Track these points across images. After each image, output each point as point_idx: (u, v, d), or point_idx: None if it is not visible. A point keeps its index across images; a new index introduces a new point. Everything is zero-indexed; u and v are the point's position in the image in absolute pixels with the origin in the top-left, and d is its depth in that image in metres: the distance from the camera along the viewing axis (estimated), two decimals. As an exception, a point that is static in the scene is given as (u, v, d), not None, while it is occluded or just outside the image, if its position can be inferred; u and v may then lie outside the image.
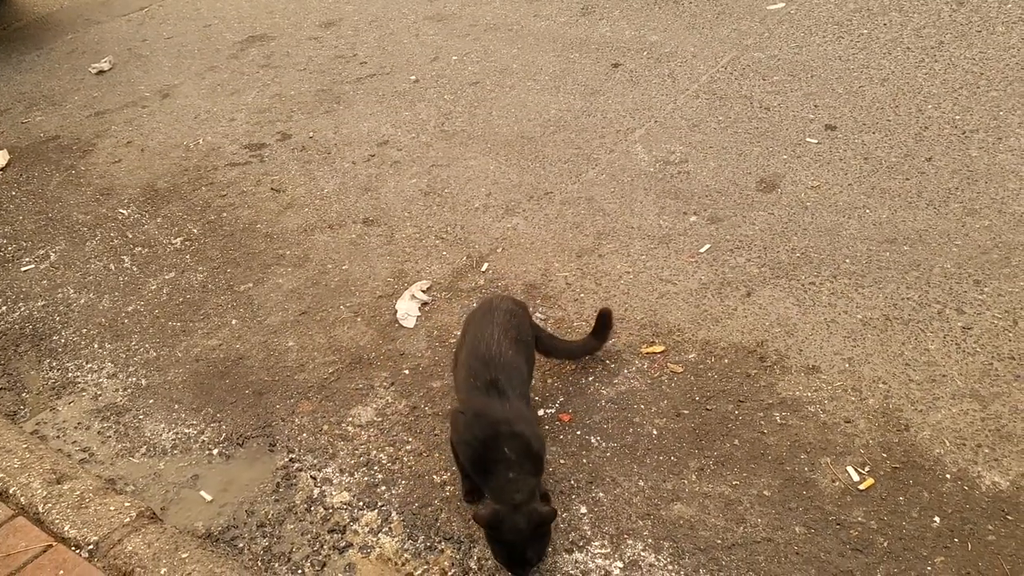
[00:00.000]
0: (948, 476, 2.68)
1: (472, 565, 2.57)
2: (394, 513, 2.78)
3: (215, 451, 3.10)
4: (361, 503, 2.83)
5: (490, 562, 2.57)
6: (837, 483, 2.71)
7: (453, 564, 2.59)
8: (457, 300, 3.71)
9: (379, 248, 4.13)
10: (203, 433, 3.19)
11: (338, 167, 4.89)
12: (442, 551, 2.63)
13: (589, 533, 2.64)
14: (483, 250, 4.02)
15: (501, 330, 2.76)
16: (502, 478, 2.45)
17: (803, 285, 3.55)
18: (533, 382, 3.04)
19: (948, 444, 2.78)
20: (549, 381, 3.21)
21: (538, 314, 3.56)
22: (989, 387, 2.97)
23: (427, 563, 2.60)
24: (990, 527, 2.51)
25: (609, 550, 2.59)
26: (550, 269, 3.84)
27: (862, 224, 3.87)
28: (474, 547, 2.62)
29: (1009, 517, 2.53)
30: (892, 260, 3.63)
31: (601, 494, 2.75)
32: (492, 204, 4.38)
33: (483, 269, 3.89)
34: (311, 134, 5.27)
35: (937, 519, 2.56)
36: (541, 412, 3.07)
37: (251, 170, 4.96)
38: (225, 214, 4.56)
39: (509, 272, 3.85)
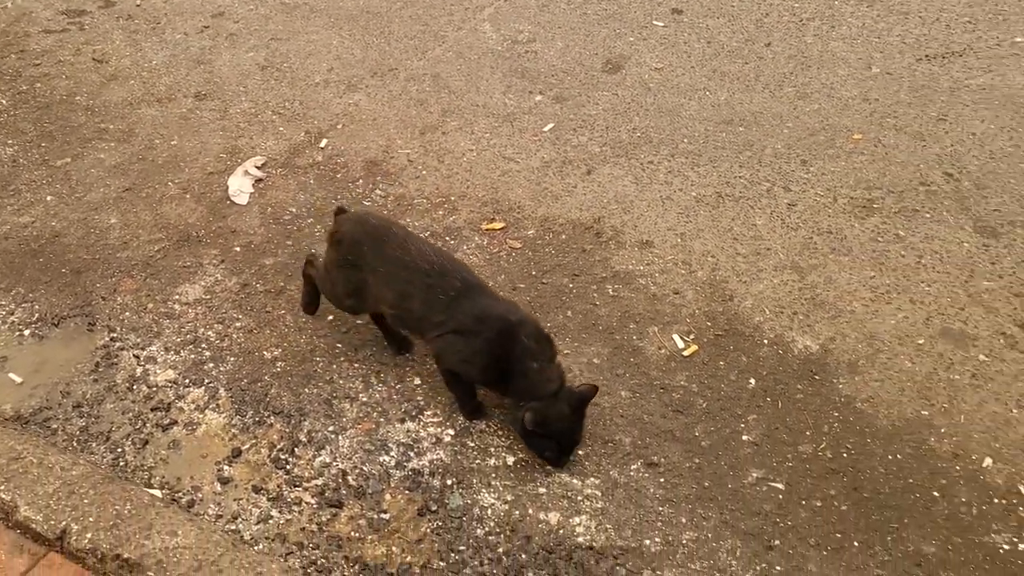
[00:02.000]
0: (765, 342, 2.81)
1: (302, 437, 2.54)
2: (222, 390, 2.69)
3: (26, 332, 2.91)
4: (187, 380, 2.73)
5: (319, 433, 2.54)
6: (663, 350, 2.80)
7: (283, 437, 2.54)
8: (293, 176, 3.56)
9: (211, 123, 3.90)
10: (12, 314, 2.98)
11: (168, 38, 4.55)
12: (271, 425, 2.58)
13: (423, 403, 2.64)
14: (322, 126, 3.86)
15: (416, 239, 2.60)
16: (528, 371, 2.37)
17: (642, 164, 3.59)
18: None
19: (767, 312, 2.91)
20: (387, 257, 3.14)
21: (378, 191, 3.48)
22: (808, 259, 3.11)
23: (255, 437, 2.54)
24: (799, 386, 2.66)
25: (442, 419, 2.60)
26: (392, 146, 3.73)
27: (701, 106, 3.93)
28: (304, 420, 2.58)
29: (816, 377, 2.69)
30: (728, 140, 3.71)
31: (435, 366, 2.74)
32: (334, 80, 4.20)
33: (322, 145, 3.75)
34: (138, 2, 4.87)
35: (753, 381, 2.69)
36: (377, 287, 3.01)
37: (69, 38, 4.55)
38: (39, 85, 4.19)
39: (349, 149, 3.72)
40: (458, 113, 3.92)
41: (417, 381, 2.71)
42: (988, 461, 2.45)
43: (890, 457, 2.47)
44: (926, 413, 2.58)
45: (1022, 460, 2.45)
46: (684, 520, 2.31)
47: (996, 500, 2.35)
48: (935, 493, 2.37)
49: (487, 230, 3.27)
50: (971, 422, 2.55)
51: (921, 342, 2.79)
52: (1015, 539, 2.26)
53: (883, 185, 3.44)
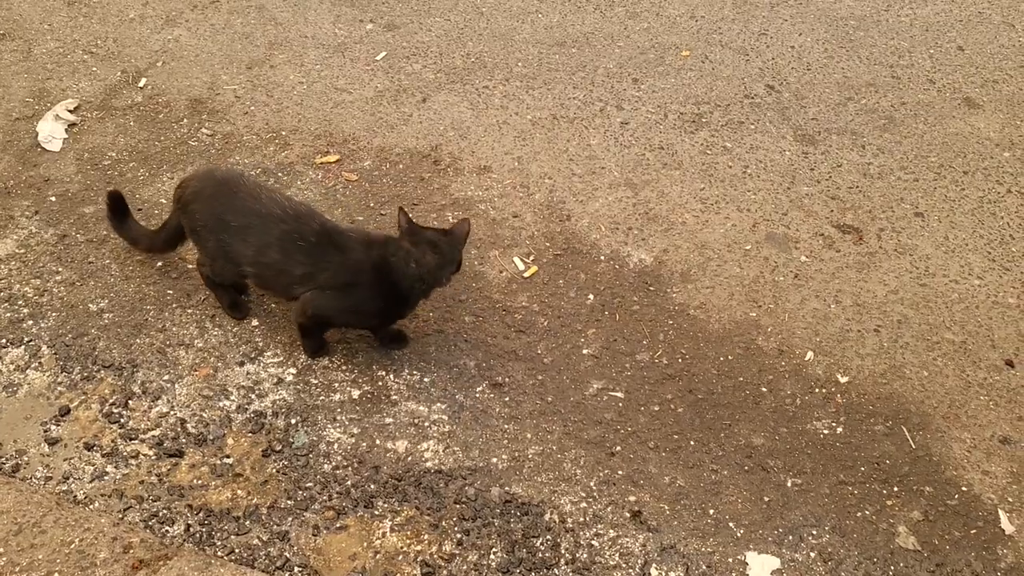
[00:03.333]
0: (602, 258, 2.87)
1: (135, 389, 2.43)
2: (44, 347, 2.54)
3: None
4: (4, 341, 2.55)
5: (154, 383, 2.44)
6: (504, 273, 2.81)
7: (115, 391, 2.43)
8: (111, 119, 3.35)
9: (14, 65, 3.61)
10: None
11: (-44, -26, 4.14)
12: (102, 379, 2.46)
13: (262, 344, 2.58)
14: (140, 64, 3.63)
15: (268, 188, 2.49)
16: (411, 274, 2.37)
17: (477, 89, 3.56)
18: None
19: (604, 229, 2.96)
20: (217, 198, 3.01)
21: (204, 130, 3.31)
22: (641, 175, 3.17)
23: (84, 394, 2.42)
24: (635, 298, 2.74)
25: (282, 358, 2.54)
26: (217, 82, 3.55)
27: (534, 28, 3.91)
28: (137, 371, 2.47)
29: (651, 288, 2.77)
30: (561, 62, 3.72)
31: (273, 305, 2.68)
32: (150, 14, 3.94)
33: (141, 85, 3.53)
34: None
35: (591, 296, 2.74)
36: (208, 229, 2.88)
37: None
38: None
39: (171, 87, 3.52)
40: (286, 45, 3.77)
41: (255, 322, 2.63)
42: (810, 355, 2.60)
43: (721, 359, 2.58)
44: (754, 314, 2.70)
45: (839, 351, 2.61)
46: (529, 435, 2.36)
47: (817, 390, 2.50)
48: (763, 389, 2.50)
49: (321, 164, 3.18)
50: (794, 320, 2.69)
51: (748, 248, 2.91)
52: (834, 424, 2.42)
53: (710, 100, 3.53)
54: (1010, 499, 2.27)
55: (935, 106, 3.53)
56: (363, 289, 2.36)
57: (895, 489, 2.29)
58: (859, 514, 2.23)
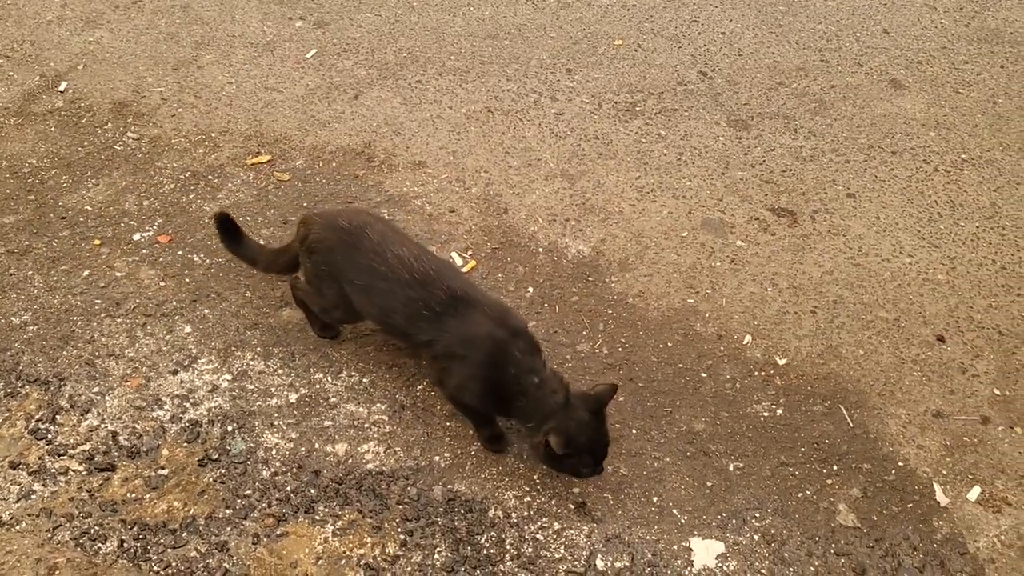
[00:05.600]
0: (540, 250, 2.86)
1: (63, 403, 2.36)
2: (-35, 364, 2.45)
3: None
4: (-78, 359, 2.46)
5: (83, 396, 2.37)
6: (442, 269, 2.78)
7: (41, 406, 2.35)
8: (30, 125, 3.24)
9: (-74, 73, 3.48)
10: None
11: None
12: (27, 395, 2.38)
13: (195, 351, 2.52)
14: (60, 68, 3.53)
15: (396, 241, 2.24)
16: (529, 389, 2.09)
17: (410, 84, 3.52)
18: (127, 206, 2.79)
19: (541, 221, 2.95)
20: (145, 203, 2.94)
21: (129, 134, 3.23)
22: (577, 166, 3.17)
23: (8, 410, 2.34)
24: (574, 289, 2.73)
25: (217, 364, 2.48)
26: (143, 85, 3.46)
27: (466, 21, 3.88)
28: (64, 385, 2.40)
29: (590, 279, 2.77)
30: (494, 55, 3.69)
31: (207, 311, 2.61)
32: (69, 16, 3.83)
33: (61, 89, 3.42)
34: None
35: (531, 289, 2.73)
36: (137, 236, 2.82)
37: None
38: None
39: (94, 91, 3.42)
40: (213, 45, 3.69)
41: (188, 329, 2.57)
42: (748, 338, 2.62)
43: (661, 346, 2.59)
44: (692, 301, 2.72)
45: (777, 334, 2.63)
46: (471, 432, 2.34)
47: (756, 373, 2.52)
48: (703, 374, 2.52)
49: (252, 165, 3.12)
50: (732, 304, 2.71)
51: (685, 235, 2.93)
52: (774, 406, 2.44)
53: (644, 88, 3.54)
54: (944, 472, 2.31)
55: (863, 88, 3.58)
56: (471, 367, 2.13)
57: (834, 468, 2.31)
58: (800, 494, 2.25)
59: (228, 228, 2.56)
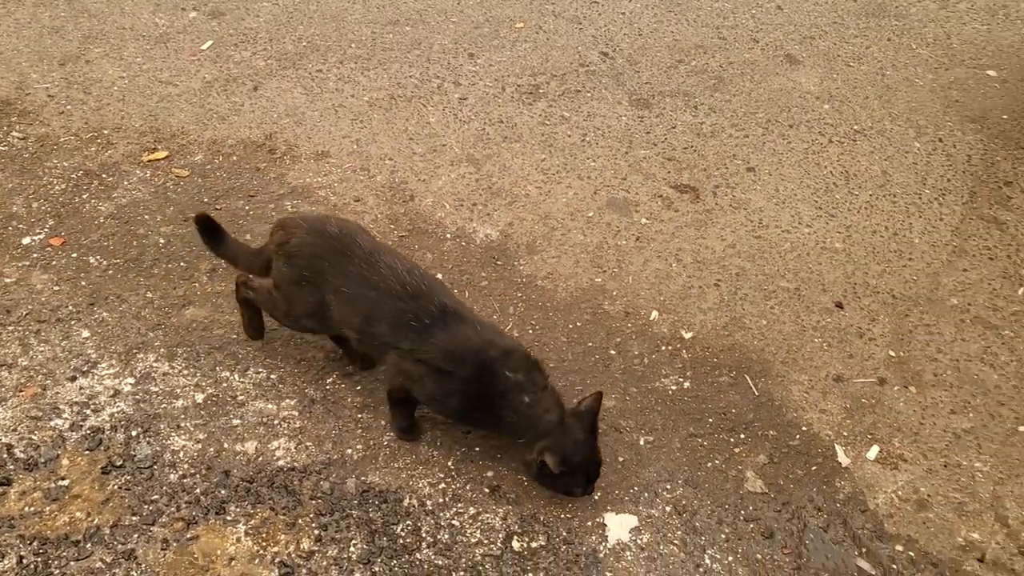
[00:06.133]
0: (448, 236, 2.85)
1: (-46, 418, 2.26)
2: None
3: None
4: None
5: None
6: (349, 259, 2.75)
7: (-69, 422, 2.25)
8: (-93, 129, 3.09)
9: None
10: None
11: None
12: (-86, 411, 2.27)
13: (95, 356, 2.44)
14: (-62, 67, 3.36)
15: (386, 254, 2.21)
16: (520, 407, 2.09)
17: (310, 73, 3.46)
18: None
19: (448, 207, 2.94)
20: (35, 205, 2.84)
21: (15, 134, 3.10)
22: (482, 150, 3.16)
23: None
24: (483, 274, 2.74)
25: (119, 368, 2.41)
26: (26, 82, 3.33)
27: (367, 8, 3.84)
28: (-45, 398, 2.30)
29: (499, 263, 2.77)
30: (395, 41, 3.66)
31: (105, 314, 2.54)
32: (-55, 12, 3.65)
33: (-61, 90, 3.27)
34: None
35: (440, 275, 2.72)
36: (26, 240, 2.71)
37: None
38: None
39: (-25, 90, 3.27)
40: (102, 38, 3.56)
41: (85, 334, 2.49)
42: (655, 314, 2.66)
43: (571, 326, 2.61)
44: (599, 280, 2.75)
45: (682, 308, 2.68)
46: (384, 423, 2.32)
47: (663, 348, 2.57)
48: (612, 351, 2.55)
49: (149, 162, 3.03)
50: (638, 281, 2.75)
51: (591, 215, 2.95)
52: (681, 379, 2.49)
53: (546, 70, 3.55)
54: (845, 433, 2.39)
55: (760, 64, 3.66)
56: (455, 383, 2.12)
57: (741, 436, 2.37)
58: (709, 464, 2.30)
59: (209, 228, 2.46)
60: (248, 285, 2.40)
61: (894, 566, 2.12)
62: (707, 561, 2.10)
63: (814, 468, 2.31)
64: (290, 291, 2.26)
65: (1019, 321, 2.74)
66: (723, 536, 2.16)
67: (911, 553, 2.15)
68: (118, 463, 2.20)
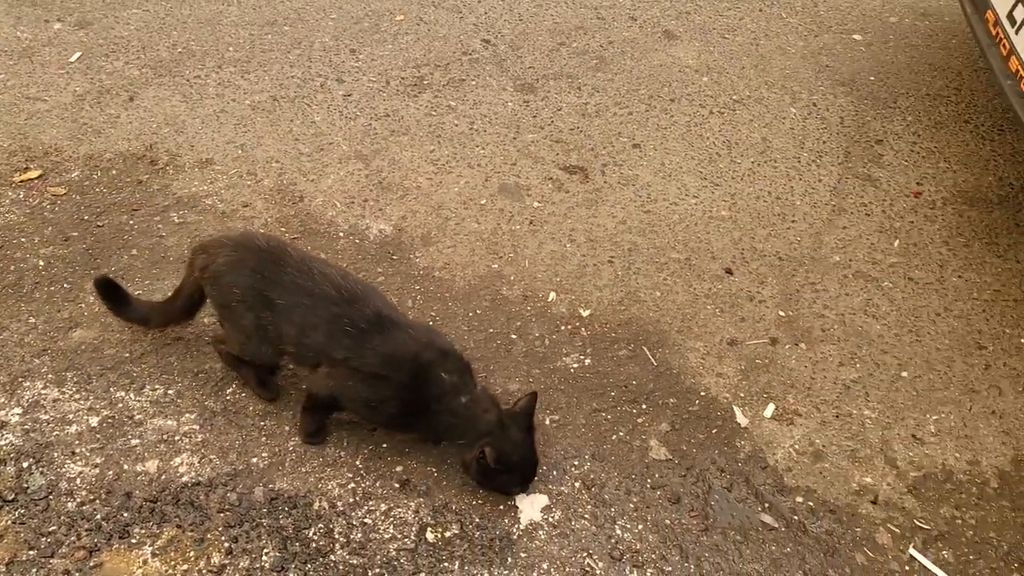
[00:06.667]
0: (341, 234, 2.83)
1: None
2: None
3: None
4: None
5: None
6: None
7: None
8: None
9: None
10: None
11: None
12: None
13: (-22, 389, 2.34)
14: None
15: (318, 262, 2.19)
16: (458, 409, 2.09)
17: (188, 80, 3.38)
18: None
19: (339, 205, 2.92)
20: (-99, 237, 2.70)
21: None
22: (370, 146, 3.14)
23: None
24: (380, 269, 2.73)
25: (3, 399, 2.33)
26: None
27: (242, 10, 3.76)
28: None
29: (394, 257, 2.77)
30: (275, 42, 3.60)
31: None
32: None
33: None
34: None
35: (335, 275, 2.69)
36: None
37: None
38: None
39: None
40: (-38, 57, 3.40)
41: (-34, 366, 2.39)
42: (552, 295, 2.69)
43: (471, 314, 2.63)
44: (496, 266, 2.77)
45: (579, 287, 2.72)
46: (288, 428, 2.30)
47: (563, 328, 2.61)
48: (513, 336, 2.57)
49: (22, 182, 2.92)
50: (534, 264, 2.78)
51: (483, 202, 2.97)
52: (582, 357, 2.53)
53: (430, 61, 3.55)
54: (742, 394, 2.48)
55: (639, 42, 3.73)
56: (390, 388, 2.10)
57: (643, 407, 2.43)
58: (614, 437, 2.35)
59: (111, 292, 2.39)
60: (217, 338, 2.35)
61: (795, 517, 2.21)
62: (618, 531, 2.15)
63: (715, 431, 2.39)
64: (229, 315, 2.22)
65: (896, 272, 2.87)
66: (632, 505, 2.21)
67: (810, 503, 2.25)
68: (10, 497, 2.13)
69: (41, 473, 2.17)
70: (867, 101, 3.58)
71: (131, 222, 2.81)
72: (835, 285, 2.81)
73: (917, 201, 3.14)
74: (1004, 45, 2.73)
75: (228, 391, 2.38)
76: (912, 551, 2.18)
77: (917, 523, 2.23)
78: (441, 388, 2.11)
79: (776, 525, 2.20)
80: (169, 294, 2.41)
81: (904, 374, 2.57)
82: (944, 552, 2.19)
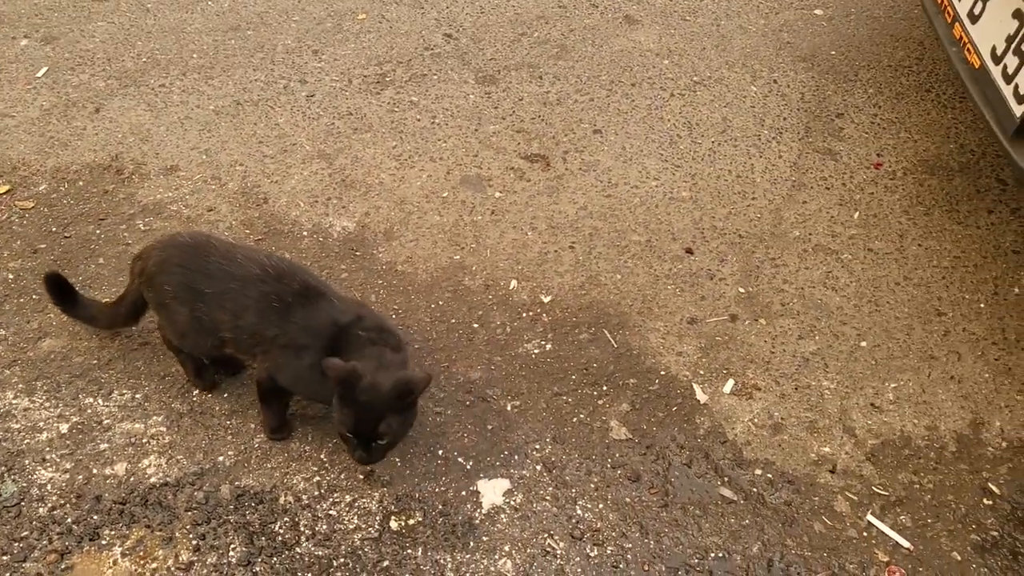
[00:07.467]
0: (305, 233, 2.87)
1: None
2: None
3: None
4: None
5: None
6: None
7: None
8: None
9: None
10: None
11: None
12: None
13: (-50, 402, 2.39)
14: None
15: (243, 248, 2.24)
16: (363, 354, 2.04)
17: (153, 89, 3.42)
18: None
19: (303, 205, 2.96)
20: None
21: None
22: (333, 145, 3.18)
23: None
24: (343, 266, 2.77)
25: (-25, 411, 2.37)
26: None
27: (206, 17, 3.80)
28: None
29: (358, 253, 2.81)
30: (238, 47, 3.64)
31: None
32: None
33: None
34: None
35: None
36: None
37: None
38: None
39: None
40: (-71, 77, 3.45)
41: (-62, 381, 2.43)
42: (514, 283, 2.73)
43: (433, 305, 2.66)
44: (458, 257, 2.80)
45: (540, 274, 2.76)
46: (253, 426, 2.35)
47: (524, 315, 2.64)
48: (475, 325, 2.61)
49: (-9, 198, 2.96)
50: (496, 254, 2.81)
51: (445, 195, 3.00)
52: (543, 342, 2.57)
53: (392, 58, 3.58)
54: (701, 372, 2.51)
55: (600, 28, 3.75)
56: (311, 356, 2.09)
57: (604, 388, 2.46)
58: (575, 419, 2.39)
59: (59, 289, 2.45)
60: (165, 334, 2.39)
61: (754, 489, 2.25)
62: (579, 511, 2.19)
63: (674, 409, 2.42)
64: (165, 313, 2.27)
65: (856, 244, 2.90)
66: (592, 485, 2.25)
67: (769, 475, 2.28)
68: (-17, 506, 2.17)
69: (13, 481, 2.22)
70: (828, 76, 3.60)
71: (98, 231, 2.85)
72: (795, 260, 2.84)
73: (878, 173, 3.17)
74: (948, 12, 2.75)
75: (195, 393, 2.42)
76: (870, 517, 2.21)
77: (875, 490, 2.27)
78: (357, 346, 2.08)
79: (735, 498, 2.23)
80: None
81: (863, 344, 2.60)
82: (902, 517, 2.22)
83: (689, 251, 2.84)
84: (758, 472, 2.29)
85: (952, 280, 2.80)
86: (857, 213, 3.00)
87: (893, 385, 2.50)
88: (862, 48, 3.75)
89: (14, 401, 2.40)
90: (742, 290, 2.74)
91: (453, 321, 2.63)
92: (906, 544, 2.16)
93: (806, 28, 3.86)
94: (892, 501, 2.25)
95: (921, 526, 2.20)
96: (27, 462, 2.26)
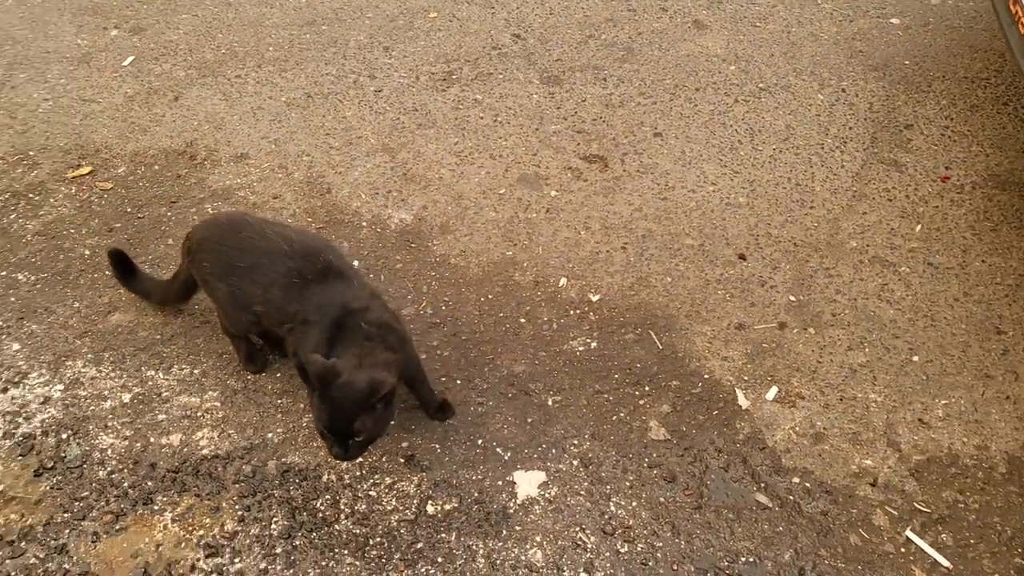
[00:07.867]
0: (364, 224, 2.95)
1: None
2: None
3: None
4: None
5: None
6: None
7: None
8: None
9: None
10: None
11: None
12: None
13: (25, 367, 2.54)
14: None
15: (277, 224, 2.32)
16: (357, 348, 2.06)
17: (230, 79, 3.56)
18: None
19: (364, 196, 3.04)
20: (-37, 230, 2.93)
21: (-57, 163, 3.19)
22: (397, 139, 3.26)
23: None
24: (398, 257, 2.84)
25: (48, 377, 2.52)
26: (-47, 112, 3.42)
27: (284, 11, 3.92)
28: None
29: (413, 245, 2.88)
30: (312, 41, 3.75)
31: (35, 326, 2.64)
32: None
33: None
34: None
35: (356, 262, 2.83)
36: (-44, 263, 2.81)
37: None
38: None
39: (-97, 124, 3.36)
40: (27, 63, 3.65)
41: (16, 347, 2.59)
42: (563, 281, 2.76)
43: (483, 299, 2.72)
44: (510, 253, 2.85)
45: (590, 273, 2.79)
46: (302, 405, 2.43)
47: (571, 312, 2.67)
48: (522, 320, 2.66)
49: (74, 178, 3.13)
50: (547, 251, 2.85)
51: (502, 192, 3.06)
52: (588, 340, 2.60)
53: (460, 56, 3.65)
54: (745, 377, 2.50)
55: (668, 32, 3.76)
56: (317, 332, 2.12)
57: (646, 389, 2.48)
58: (615, 418, 2.41)
59: (121, 263, 2.62)
60: (217, 313, 2.50)
61: (790, 497, 2.24)
62: (612, 508, 2.21)
63: (715, 413, 2.42)
64: (209, 291, 2.38)
65: (915, 257, 2.85)
66: (627, 483, 2.27)
67: (807, 484, 2.27)
68: (49, 465, 2.30)
69: (78, 444, 2.35)
70: (899, 86, 3.53)
71: (169, 214, 2.99)
72: (849, 270, 2.80)
73: (944, 186, 3.10)
74: (1023, 24, 2.68)
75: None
76: (909, 533, 2.18)
77: (917, 506, 2.23)
78: (356, 336, 2.08)
79: (770, 504, 2.23)
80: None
81: (915, 358, 2.56)
82: (943, 535, 2.18)
83: (742, 257, 2.83)
84: (796, 480, 2.28)
85: (1016, 299, 2.73)
86: (919, 226, 2.94)
87: (944, 402, 2.45)
88: (938, 58, 3.68)
89: (83, 370, 2.54)
90: (793, 298, 2.72)
91: (501, 315, 2.67)
92: (945, 563, 2.13)
93: (880, 37, 3.79)
94: (934, 519, 2.21)
95: (963, 546, 2.16)
96: (91, 427, 2.39)
